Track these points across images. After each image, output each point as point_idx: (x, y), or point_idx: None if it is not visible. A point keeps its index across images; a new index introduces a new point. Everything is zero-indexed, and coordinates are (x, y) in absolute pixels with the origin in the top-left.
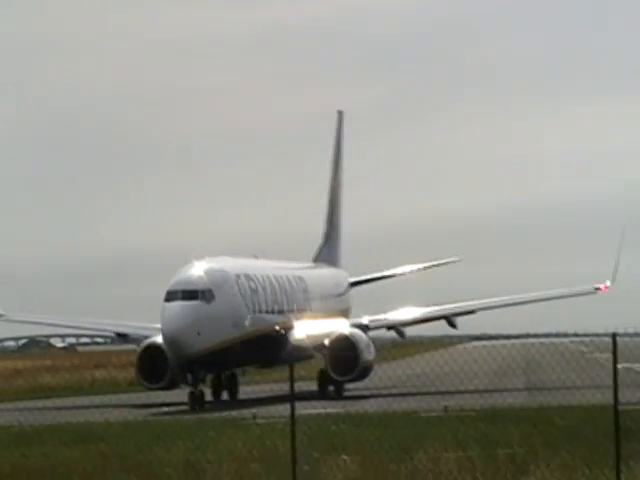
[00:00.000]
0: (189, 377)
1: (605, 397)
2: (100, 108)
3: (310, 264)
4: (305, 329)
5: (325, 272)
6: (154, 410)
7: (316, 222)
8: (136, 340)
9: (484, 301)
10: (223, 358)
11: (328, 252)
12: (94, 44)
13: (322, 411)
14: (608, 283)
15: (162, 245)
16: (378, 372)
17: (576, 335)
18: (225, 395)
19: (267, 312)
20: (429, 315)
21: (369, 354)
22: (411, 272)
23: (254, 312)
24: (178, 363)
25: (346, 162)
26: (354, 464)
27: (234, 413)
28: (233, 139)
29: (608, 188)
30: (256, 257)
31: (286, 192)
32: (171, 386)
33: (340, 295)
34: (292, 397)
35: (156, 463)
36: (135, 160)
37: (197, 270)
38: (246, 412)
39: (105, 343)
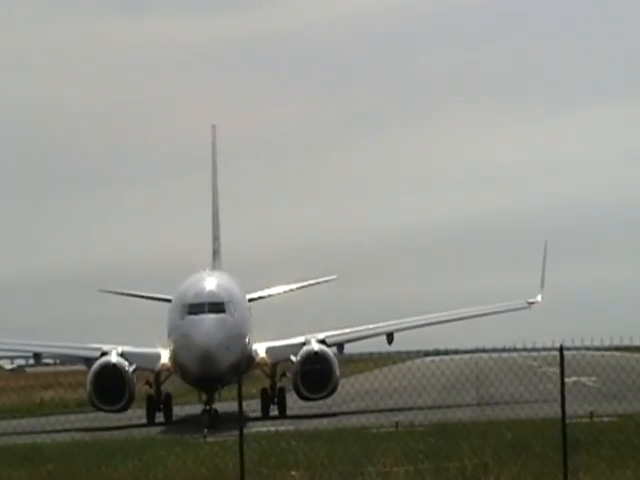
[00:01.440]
0: (202, 395)
1: (554, 410)
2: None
3: None
4: (265, 345)
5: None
6: (156, 429)
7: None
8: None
9: (414, 319)
10: (232, 375)
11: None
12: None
13: (272, 429)
14: (539, 298)
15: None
16: None
17: (525, 349)
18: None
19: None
20: (368, 333)
21: (338, 370)
22: (285, 292)
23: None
24: (203, 379)
25: (245, 179)
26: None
27: (184, 432)
28: (130, 157)
29: (529, 201)
30: (204, 270)
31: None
32: (127, 407)
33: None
34: (240, 415)
35: None
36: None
37: (215, 282)
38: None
39: (54, 364)
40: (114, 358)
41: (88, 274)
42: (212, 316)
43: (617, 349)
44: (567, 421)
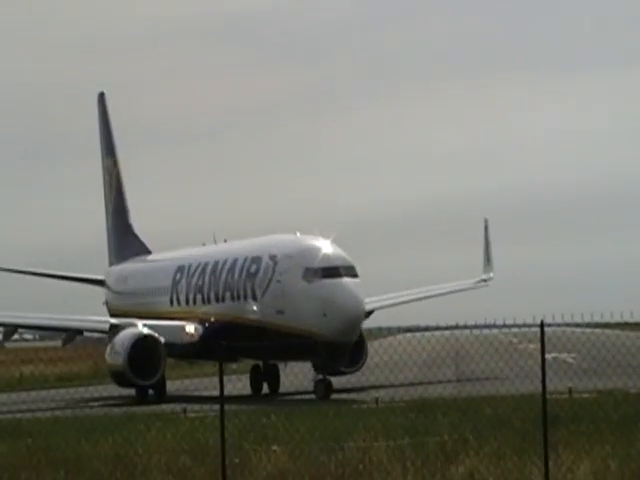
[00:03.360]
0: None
1: (534, 386)
2: None
3: None
4: None
5: None
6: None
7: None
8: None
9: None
10: None
11: (137, 246)
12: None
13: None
14: (492, 274)
15: None
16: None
17: (505, 325)
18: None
19: None
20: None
21: None
22: None
23: None
24: (340, 346)
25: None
26: (284, 455)
27: (164, 407)
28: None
29: (471, 183)
30: (225, 241)
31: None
32: (161, 383)
33: None
34: (221, 389)
35: (84, 457)
36: None
37: (331, 245)
38: (176, 406)
39: (34, 339)
40: (145, 330)
41: None
42: (351, 280)
43: (597, 326)
44: (547, 397)
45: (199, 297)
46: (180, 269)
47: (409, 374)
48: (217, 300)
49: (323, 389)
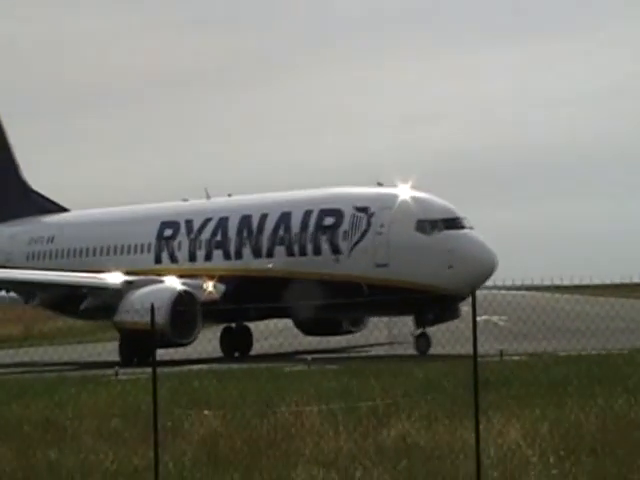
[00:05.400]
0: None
1: (465, 349)
2: None
3: None
4: None
5: None
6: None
7: None
8: None
9: None
10: None
11: (41, 204)
12: None
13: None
14: None
15: None
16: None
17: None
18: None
19: None
20: None
21: None
22: None
23: None
24: (460, 298)
25: None
26: (216, 419)
27: (95, 370)
28: None
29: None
30: (229, 196)
31: None
32: (194, 341)
33: None
34: (154, 347)
35: (14, 421)
36: None
37: (430, 195)
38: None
39: None
40: (179, 285)
41: None
42: (475, 232)
43: (527, 289)
44: (478, 360)
45: (217, 253)
46: (169, 225)
47: (341, 339)
48: (257, 256)
49: (425, 343)
